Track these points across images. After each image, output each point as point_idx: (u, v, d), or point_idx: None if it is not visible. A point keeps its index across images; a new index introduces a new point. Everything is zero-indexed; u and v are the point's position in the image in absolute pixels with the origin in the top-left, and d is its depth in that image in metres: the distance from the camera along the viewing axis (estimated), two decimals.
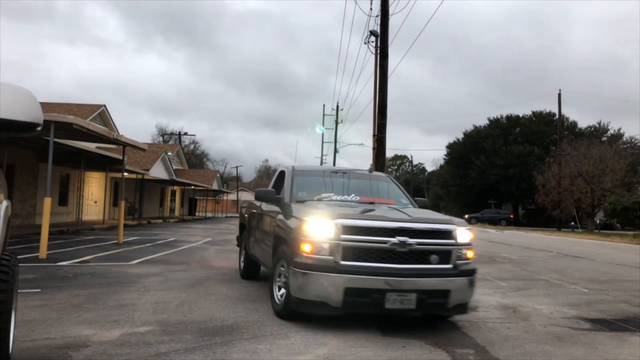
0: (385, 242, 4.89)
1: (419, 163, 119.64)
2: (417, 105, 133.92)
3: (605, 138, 58.18)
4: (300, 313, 5.10)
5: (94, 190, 26.94)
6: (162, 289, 6.99)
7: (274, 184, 7.54)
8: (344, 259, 4.86)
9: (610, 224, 46.89)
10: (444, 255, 5.11)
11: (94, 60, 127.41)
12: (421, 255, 5.02)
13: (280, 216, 5.94)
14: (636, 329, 5.62)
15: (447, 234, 5.21)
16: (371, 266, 4.86)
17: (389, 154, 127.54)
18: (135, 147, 13.71)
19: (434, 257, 5.05)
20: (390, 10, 15.17)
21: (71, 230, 17.73)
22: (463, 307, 5.33)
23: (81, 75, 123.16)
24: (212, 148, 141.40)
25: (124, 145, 13.32)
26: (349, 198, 6.47)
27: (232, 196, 71.47)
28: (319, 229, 4.95)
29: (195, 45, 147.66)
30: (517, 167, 58.83)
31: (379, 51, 14.89)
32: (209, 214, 56.54)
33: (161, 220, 30.32)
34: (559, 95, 46.38)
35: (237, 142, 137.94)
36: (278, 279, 5.56)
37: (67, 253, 10.99)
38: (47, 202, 9.82)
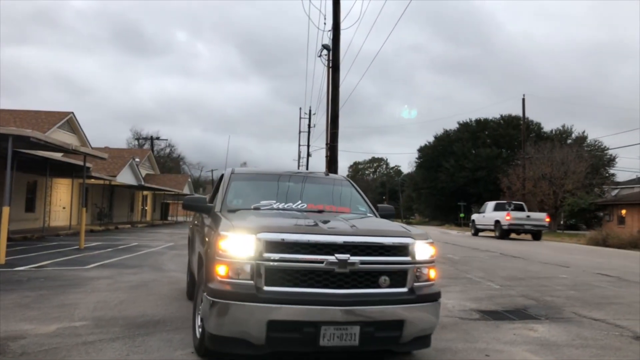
0: (320, 262, 3.92)
1: (396, 165, 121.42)
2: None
3: (570, 140, 60.17)
4: (218, 352, 4.09)
5: (61, 196, 27.24)
6: (107, 290, 7.69)
7: (214, 191, 6.63)
8: (267, 284, 3.87)
9: (575, 224, 48.46)
10: (397, 277, 4.15)
11: None
12: (367, 277, 4.05)
13: (207, 229, 4.96)
14: (516, 318, 6.53)
15: (402, 250, 4.21)
16: (302, 292, 3.89)
17: (366, 156, 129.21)
18: (94, 156, 14.34)
19: (383, 278, 4.10)
20: (343, 25, 16.11)
21: (36, 237, 18.16)
22: (424, 340, 4.37)
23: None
24: (188, 151, 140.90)
25: (84, 154, 13.94)
26: (293, 206, 5.36)
27: None
28: (236, 245, 3.92)
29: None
30: (485, 170, 60.32)
31: (330, 64, 15.75)
32: (181, 218, 56.72)
33: (129, 225, 30.70)
34: (523, 100, 48.01)
35: (222, 145, 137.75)
36: (200, 308, 4.44)
37: (26, 259, 11.55)
38: (6, 210, 10.44)
